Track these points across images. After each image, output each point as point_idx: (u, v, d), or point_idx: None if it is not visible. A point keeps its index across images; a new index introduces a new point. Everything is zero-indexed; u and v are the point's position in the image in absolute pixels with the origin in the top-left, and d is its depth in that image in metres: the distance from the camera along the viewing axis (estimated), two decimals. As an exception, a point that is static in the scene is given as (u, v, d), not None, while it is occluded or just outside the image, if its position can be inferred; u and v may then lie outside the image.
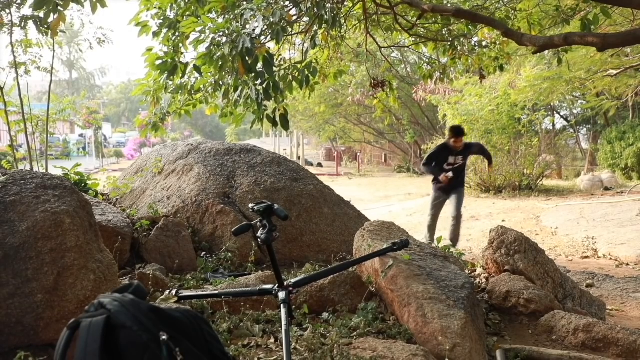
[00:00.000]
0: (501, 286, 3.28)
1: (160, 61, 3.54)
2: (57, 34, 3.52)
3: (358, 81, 18.13)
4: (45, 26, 3.50)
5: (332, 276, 2.84)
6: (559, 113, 19.76)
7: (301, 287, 2.64)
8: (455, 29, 5.31)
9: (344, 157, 27.72)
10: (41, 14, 3.44)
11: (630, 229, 7.17)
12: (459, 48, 5.26)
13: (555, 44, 3.42)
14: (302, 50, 4.40)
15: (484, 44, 5.47)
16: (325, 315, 2.71)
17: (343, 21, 4.68)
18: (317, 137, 28.34)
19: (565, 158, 16.86)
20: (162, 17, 3.78)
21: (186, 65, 3.65)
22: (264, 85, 3.35)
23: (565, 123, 19.96)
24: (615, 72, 9.08)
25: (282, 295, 2.34)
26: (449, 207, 5.79)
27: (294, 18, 4.24)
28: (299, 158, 26.47)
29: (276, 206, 2.38)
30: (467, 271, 3.82)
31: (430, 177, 5.92)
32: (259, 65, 3.18)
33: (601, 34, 3.54)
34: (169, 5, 3.80)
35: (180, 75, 3.71)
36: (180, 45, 3.68)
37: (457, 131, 5.72)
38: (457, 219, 5.67)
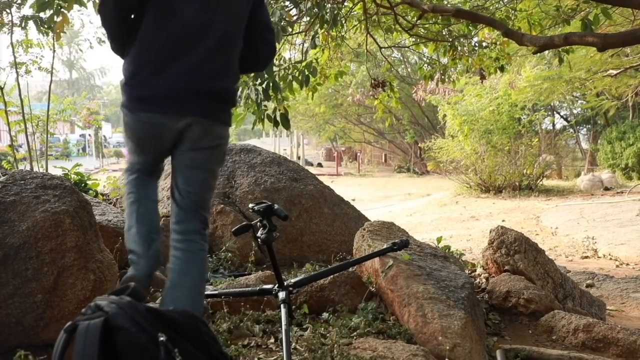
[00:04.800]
0: (501, 286, 3.28)
1: None
2: (60, 36, 3.51)
3: (358, 81, 18.13)
4: (46, 27, 3.49)
5: (332, 276, 2.83)
6: (559, 113, 19.77)
7: (301, 287, 2.64)
8: (456, 29, 5.31)
9: (344, 157, 27.71)
10: (42, 15, 3.44)
11: (630, 229, 7.17)
12: (459, 48, 5.25)
13: (556, 44, 3.42)
14: (302, 50, 4.40)
15: (484, 44, 5.47)
16: (325, 315, 2.71)
17: (343, 21, 4.68)
18: (317, 137, 28.36)
19: (565, 158, 16.85)
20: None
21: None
22: (264, 86, 3.34)
23: (565, 123, 19.96)
24: (615, 72, 9.06)
25: (282, 295, 2.34)
26: None
27: (294, 18, 4.24)
28: (299, 158, 26.46)
29: (276, 206, 2.38)
30: (467, 271, 3.82)
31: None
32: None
33: (601, 34, 3.53)
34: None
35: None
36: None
37: None
38: None
